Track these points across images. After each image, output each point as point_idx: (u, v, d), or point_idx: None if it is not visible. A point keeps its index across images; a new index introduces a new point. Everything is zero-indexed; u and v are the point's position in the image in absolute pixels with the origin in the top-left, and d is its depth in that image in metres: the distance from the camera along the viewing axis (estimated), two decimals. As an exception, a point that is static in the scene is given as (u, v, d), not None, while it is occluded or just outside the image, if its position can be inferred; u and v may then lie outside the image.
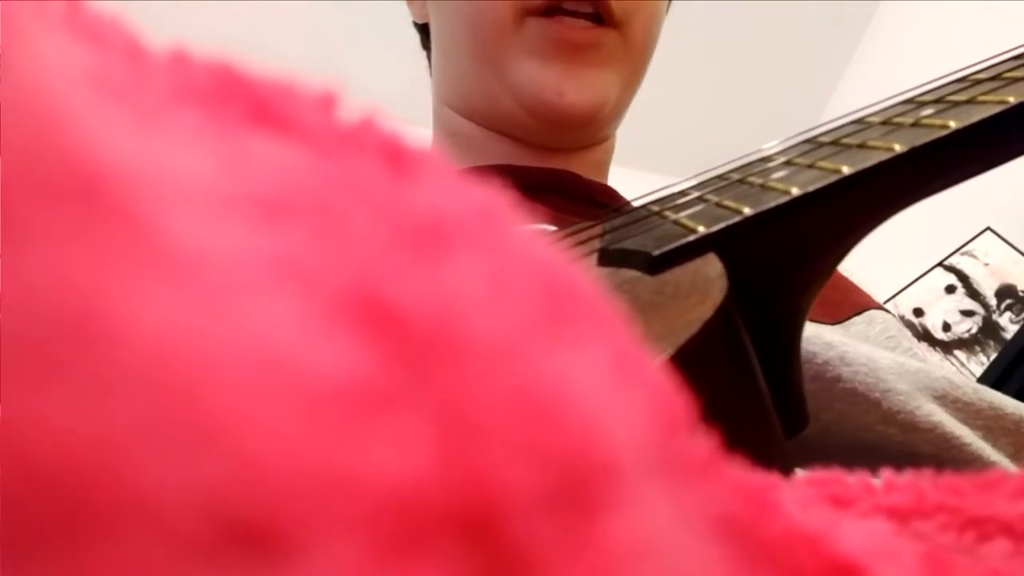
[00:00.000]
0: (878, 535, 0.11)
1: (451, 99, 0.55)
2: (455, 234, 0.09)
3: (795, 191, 0.23)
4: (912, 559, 0.10)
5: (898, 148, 0.23)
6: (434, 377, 0.08)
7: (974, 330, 1.70)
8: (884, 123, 0.27)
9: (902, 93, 0.29)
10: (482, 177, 0.10)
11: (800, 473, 0.15)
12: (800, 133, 0.30)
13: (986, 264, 1.75)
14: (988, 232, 1.76)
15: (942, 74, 0.30)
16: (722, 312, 0.20)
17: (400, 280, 0.08)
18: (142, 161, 0.08)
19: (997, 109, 0.23)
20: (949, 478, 0.14)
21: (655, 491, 0.08)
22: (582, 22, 0.47)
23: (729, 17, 2.10)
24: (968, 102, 0.25)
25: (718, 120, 2.23)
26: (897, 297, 1.78)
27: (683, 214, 0.26)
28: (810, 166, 0.25)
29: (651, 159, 1.85)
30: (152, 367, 0.07)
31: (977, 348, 1.68)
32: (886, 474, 0.14)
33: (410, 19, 0.60)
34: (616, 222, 0.29)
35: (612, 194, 0.53)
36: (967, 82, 0.28)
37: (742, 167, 0.29)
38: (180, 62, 0.10)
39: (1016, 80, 0.25)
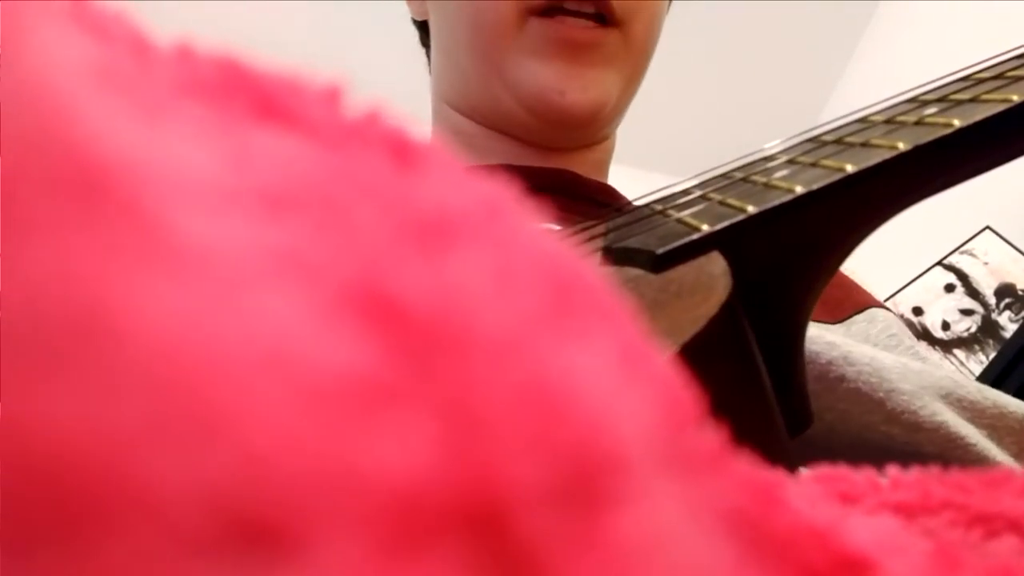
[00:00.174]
0: (886, 530, 0.11)
1: (451, 97, 0.55)
2: (460, 228, 0.09)
3: (799, 189, 0.23)
4: (921, 554, 0.10)
5: (902, 146, 0.23)
6: (439, 371, 0.08)
7: (973, 329, 1.70)
8: (887, 122, 0.27)
9: (905, 92, 0.29)
10: (487, 173, 0.10)
11: (804, 471, 0.15)
12: (802, 132, 0.30)
13: (985, 263, 1.75)
14: (987, 231, 1.76)
15: (942, 73, 0.30)
16: (726, 310, 0.20)
17: (405, 274, 0.08)
18: (147, 155, 0.08)
19: (1001, 108, 0.23)
20: (955, 475, 0.13)
21: (663, 485, 0.08)
22: (583, 21, 0.47)
23: (729, 17, 2.10)
24: (971, 101, 0.25)
25: (718, 119, 2.24)
26: (896, 296, 1.78)
27: (686, 213, 0.25)
28: (813, 165, 0.25)
29: (651, 158, 1.85)
30: (156, 361, 0.06)
31: (976, 347, 1.68)
32: (892, 471, 0.14)
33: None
34: (619, 221, 0.29)
35: (613, 193, 0.53)
36: (970, 81, 0.28)
37: (745, 166, 0.29)
38: (185, 56, 0.10)
39: (1019, 79, 0.25)
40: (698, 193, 0.28)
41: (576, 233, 0.30)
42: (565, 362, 0.08)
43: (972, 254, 1.77)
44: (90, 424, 0.06)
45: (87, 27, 0.09)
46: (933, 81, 0.29)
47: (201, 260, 0.07)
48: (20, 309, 0.06)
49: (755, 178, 0.27)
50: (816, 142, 0.28)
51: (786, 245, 0.24)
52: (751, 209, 0.23)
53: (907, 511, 0.13)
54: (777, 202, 0.23)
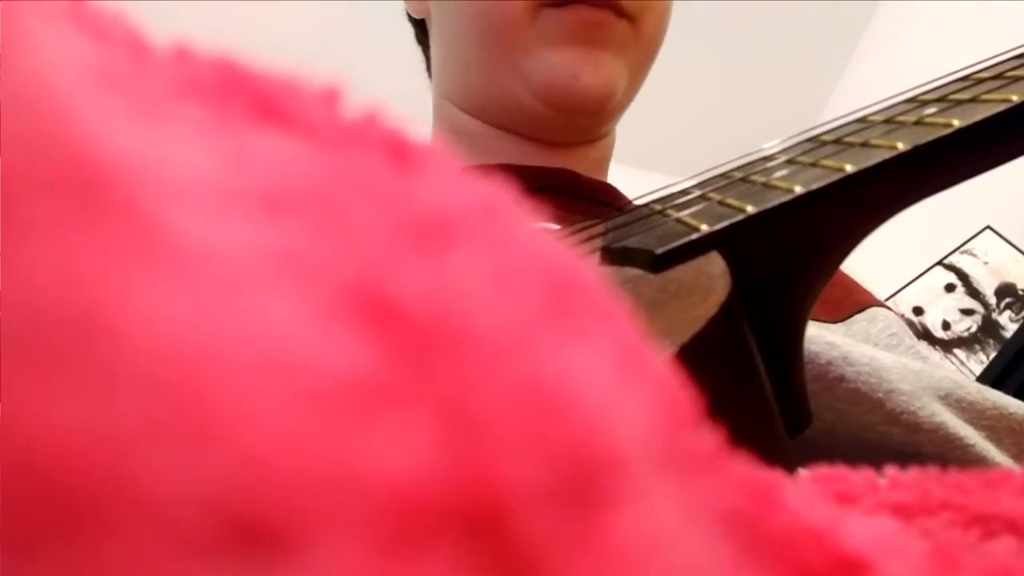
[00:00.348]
0: (884, 531, 0.11)
1: (454, 94, 0.55)
2: (459, 229, 0.09)
3: (798, 189, 0.23)
4: (919, 555, 0.10)
5: (901, 146, 0.23)
6: (438, 372, 0.08)
7: (974, 329, 1.70)
8: (887, 122, 0.27)
9: (904, 92, 0.29)
10: (485, 173, 0.10)
11: (803, 471, 0.15)
12: (802, 132, 0.30)
13: (986, 263, 1.75)
14: (988, 231, 1.76)
15: (941, 73, 0.29)
16: (725, 310, 0.20)
17: (403, 275, 0.08)
18: (146, 156, 0.08)
19: (1000, 108, 0.23)
20: (954, 476, 0.13)
21: (660, 486, 0.08)
22: (597, 9, 0.47)
23: (729, 17, 2.10)
24: (971, 101, 0.25)
25: (718, 119, 2.23)
26: (897, 296, 1.78)
27: (686, 212, 0.25)
28: (813, 165, 0.25)
29: (651, 158, 1.85)
30: (155, 363, 0.07)
31: (977, 347, 1.68)
32: (891, 471, 0.14)
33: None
34: (619, 221, 0.29)
35: (613, 192, 0.53)
36: (970, 81, 0.28)
37: (744, 166, 0.29)
38: (183, 58, 0.10)
39: (1019, 79, 0.25)
40: (697, 193, 0.28)
41: (575, 233, 0.30)
42: (563, 363, 0.08)
43: (972, 254, 1.77)
44: (89, 425, 0.06)
45: (85, 28, 0.09)
46: (933, 81, 0.29)
47: (199, 261, 0.07)
48: (19, 310, 0.06)
49: (754, 178, 0.27)
50: (815, 142, 0.28)
51: (785, 245, 0.24)
52: (750, 209, 0.23)
53: (905, 511, 0.13)
54: (776, 202, 0.23)
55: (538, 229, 0.10)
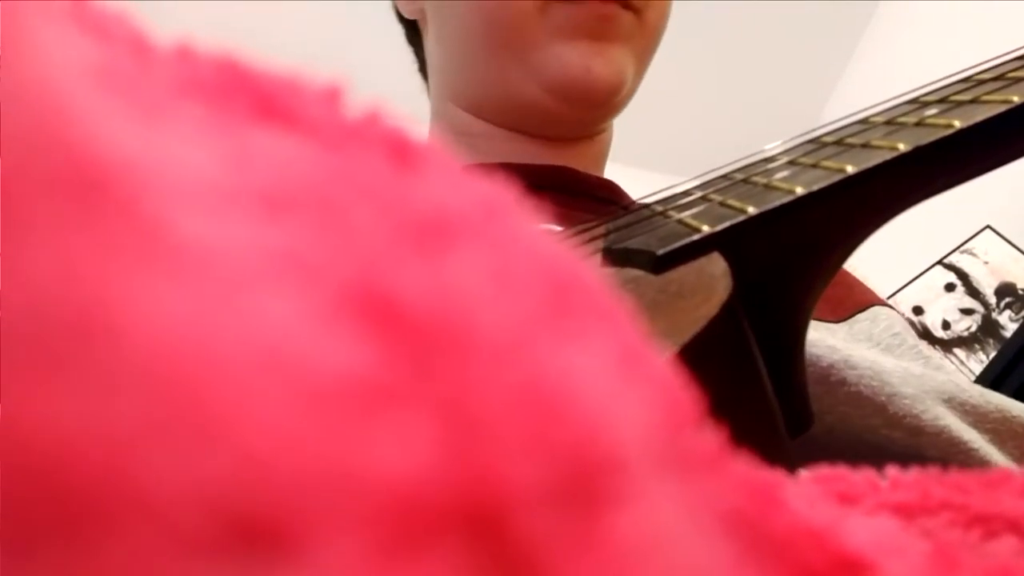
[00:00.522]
0: (885, 531, 0.11)
1: (455, 95, 0.55)
2: (459, 229, 0.09)
3: (799, 190, 0.23)
4: (919, 555, 0.10)
5: (902, 147, 0.23)
6: (438, 372, 0.08)
7: (973, 328, 1.70)
8: (888, 123, 0.27)
9: (905, 93, 0.29)
10: (486, 173, 0.10)
11: (804, 472, 0.15)
12: (803, 134, 0.30)
13: (986, 262, 1.75)
14: (988, 230, 1.76)
15: (941, 73, 0.30)
16: (726, 310, 0.20)
17: (404, 275, 0.08)
18: (147, 155, 0.08)
19: (1001, 108, 0.23)
20: (954, 476, 0.13)
21: (661, 486, 0.08)
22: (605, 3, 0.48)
23: (729, 16, 2.10)
24: (972, 102, 0.25)
25: (717, 119, 2.24)
26: (897, 295, 1.78)
27: (687, 213, 0.25)
28: (814, 166, 0.25)
29: (651, 158, 1.85)
30: (155, 362, 0.06)
31: (976, 346, 1.68)
32: (891, 471, 0.14)
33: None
34: (620, 222, 0.29)
35: (613, 188, 0.53)
36: (971, 82, 0.28)
37: (745, 167, 0.29)
38: (185, 56, 0.10)
39: (1020, 80, 0.25)
40: (699, 194, 0.28)
41: (576, 234, 0.30)
42: (563, 363, 0.08)
43: (972, 253, 1.77)
44: (90, 424, 0.06)
45: (87, 27, 0.09)
46: (934, 82, 0.29)
47: (200, 261, 0.07)
48: (19, 309, 0.06)
49: (755, 179, 0.27)
50: (817, 143, 0.28)
51: (786, 246, 0.24)
52: (751, 210, 0.23)
53: (906, 512, 0.13)
54: (778, 203, 0.23)
55: (539, 229, 0.10)
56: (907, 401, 0.35)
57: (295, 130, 0.10)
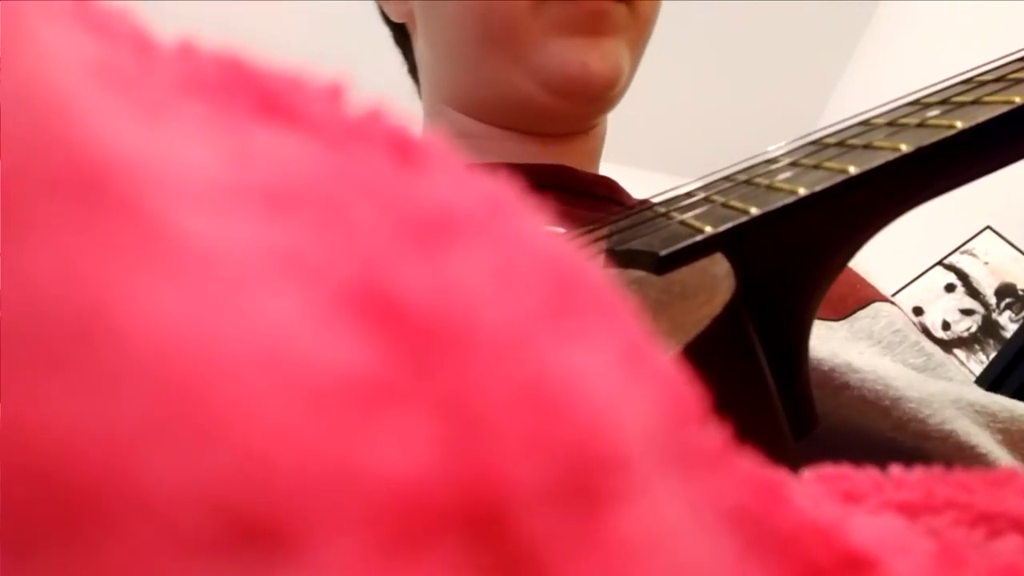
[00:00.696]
0: (890, 529, 0.11)
1: (449, 96, 0.55)
2: (461, 226, 0.09)
3: (802, 191, 0.23)
4: (924, 553, 0.10)
5: (904, 148, 0.23)
6: (439, 370, 0.07)
7: (974, 329, 1.70)
8: (889, 124, 0.27)
9: (907, 95, 0.29)
10: (488, 171, 0.10)
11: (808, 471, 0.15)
12: (805, 135, 0.30)
13: (986, 263, 1.75)
14: (988, 231, 1.76)
15: (942, 74, 0.30)
16: (729, 311, 0.20)
17: (405, 272, 0.08)
18: (148, 154, 0.08)
19: (1003, 109, 0.23)
20: (959, 474, 0.13)
21: (665, 483, 0.08)
22: None
23: (729, 17, 2.10)
24: (974, 103, 0.25)
25: (717, 119, 2.24)
26: (897, 296, 1.78)
27: (690, 215, 0.25)
28: (816, 167, 0.25)
29: (652, 158, 1.85)
30: (156, 361, 0.06)
31: (976, 347, 1.68)
32: (896, 470, 0.14)
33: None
34: (623, 223, 0.29)
35: (611, 185, 0.54)
36: (972, 83, 0.28)
37: (748, 168, 0.29)
38: (187, 54, 0.10)
39: (1021, 81, 0.25)
40: (701, 195, 0.28)
41: (580, 235, 0.30)
42: (565, 361, 0.08)
43: (972, 254, 1.77)
44: (90, 424, 0.06)
45: (89, 25, 0.09)
46: (935, 83, 0.29)
47: (201, 259, 0.07)
48: (20, 309, 0.06)
49: (758, 180, 0.27)
50: (819, 144, 0.28)
51: (789, 247, 0.24)
52: (754, 211, 0.23)
53: (911, 510, 0.13)
54: (780, 204, 0.23)
55: (542, 227, 0.10)
56: (912, 405, 0.34)
57: (297, 128, 0.10)
